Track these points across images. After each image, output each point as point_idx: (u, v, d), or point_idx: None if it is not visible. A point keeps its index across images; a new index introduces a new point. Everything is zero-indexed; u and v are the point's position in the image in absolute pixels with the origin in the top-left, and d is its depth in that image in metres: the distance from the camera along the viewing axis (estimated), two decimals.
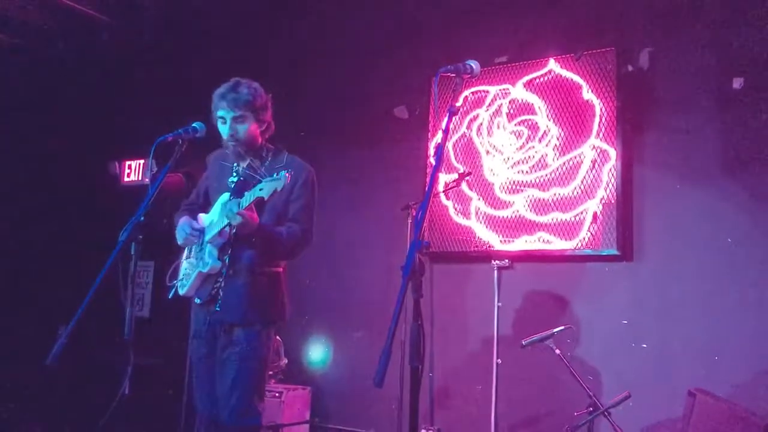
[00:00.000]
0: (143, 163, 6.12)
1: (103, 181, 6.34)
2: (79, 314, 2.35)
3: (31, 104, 7.02)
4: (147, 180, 5.90)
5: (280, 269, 3.17)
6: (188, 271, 3.15)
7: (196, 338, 3.17)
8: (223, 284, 3.06)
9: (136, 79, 6.57)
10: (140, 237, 2.53)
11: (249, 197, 2.84)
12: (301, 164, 3.20)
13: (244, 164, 3.18)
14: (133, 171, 6.27)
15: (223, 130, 3.10)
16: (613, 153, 4.25)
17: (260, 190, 2.79)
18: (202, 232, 3.12)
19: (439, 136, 4.83)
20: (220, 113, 3.10)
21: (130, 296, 2.58)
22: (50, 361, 2.31)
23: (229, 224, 2.94)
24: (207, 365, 3.11)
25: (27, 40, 6.45)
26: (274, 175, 2.78)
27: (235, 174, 3.21)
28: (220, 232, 3.03)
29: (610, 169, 4.25)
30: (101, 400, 3.05)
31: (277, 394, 4.56)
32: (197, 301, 3.17)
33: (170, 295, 3.25)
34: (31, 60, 6.72)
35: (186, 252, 3.24)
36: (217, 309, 3.05)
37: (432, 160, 4.86)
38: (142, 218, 2.55)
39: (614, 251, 4.17)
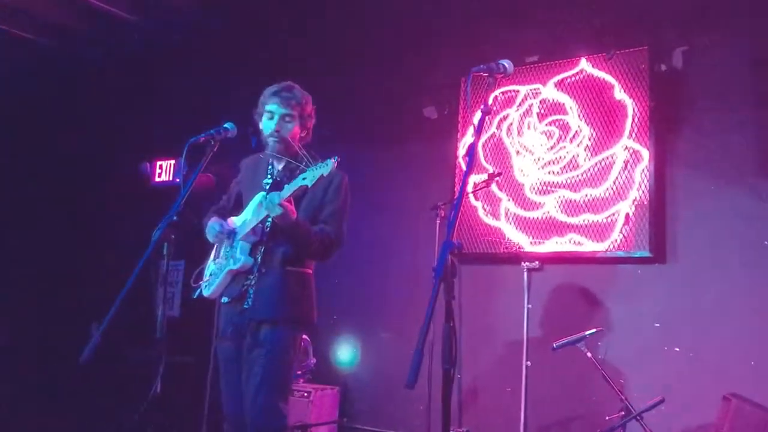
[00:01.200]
0: (174, 164, 6.17)
1: (134, 181, 6.41)
2: (112, 313, 2.37)
3: (63, 105, 7.14)
4: (178, 180, 5.95)
5: (310, 270, 3.17)
6: (216, 271, 3.15)
7: (223, 338, 3.16)
8: (253, 282, 3.06)
9: (166, 79, 6.63)
10: (172, 237, 2.55)
11: (292, 186, 2.84)
12: (336, 169, 3.21)
13: (279, 167, 3.19)
14: (164, 171, 6.33)
15: (268, 125, 3.12)
16: (645, 153, 4.19)
17: (303, 179, 2.80)
18: (232, 231, 3.13)
19: (470, 135, 4.82)
20: (269, 107, 3.13)
21: (162, 296, 2.61)
22: (84, 358, 2.34)
23: (265, 219, 2.95)
24: (234, 365, 3.10)
25: (59, 42, 6.55)
26: (320, 162, 2.79)
27: (270, 176, 3.22)
28: (254, 230, 3.02)
29: (643, 170, 4.20)
30: (133, 398, 3.08)
31: (305, 394, 4.58)
32: (224, 300, 3.17)
33: (195, 295, 3.26)
34: (63, 61, 6.83)
35: (213, 253, 3.24)
36: (246, 307, 3.05)
37: (461, 161, 4.84)
38: (175, 218, 2.57)
39: (647, 253, 4.12)
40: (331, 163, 2.76)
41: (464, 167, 4.76)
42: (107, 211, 6.71)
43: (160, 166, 6.32)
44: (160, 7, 5.96)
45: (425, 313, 1.86)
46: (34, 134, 7.30)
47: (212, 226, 3.17)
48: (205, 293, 3.19)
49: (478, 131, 2.31)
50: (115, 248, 5.85)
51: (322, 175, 2.77)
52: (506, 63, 2.42)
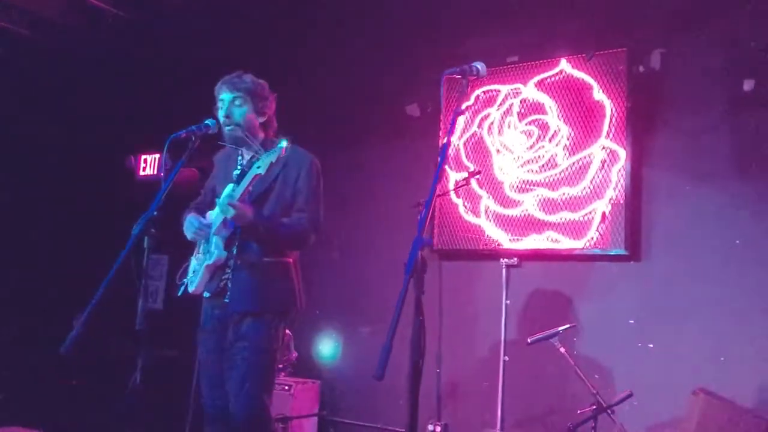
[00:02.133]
0: (158, 158, 6.20)
1: (119, 174, 6.43)
2: (93, 305, 2.41)
3: (49, 99, 7.13)
4: (162, 174, 5.98)
5: (290, 259, 3.18)
6: (197, 267, 3.17)
7: (204, 331, 3.18)
8: (231, 276, 3.09)
9: (152, 74, 6.64)
10: (153, 231, 2.59)
11: (246, 180, 2.89)
12: (305, 153, 3.23)
13: (248, 156, 3.21)
14: (149, 165, 6.36)
15: (221, 113, 3.14)
16: (622, 153, 4.28)
17: (257, 168, 2.84)
18: (209, 226, 3.15)
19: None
20: (220, 97, 3.17)
21: (143, 289, 2.65)
22: (64, 350, 2.37)
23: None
24: (214, 358, 3.12)
25: (45, 36, 6.54)
26: (270, 150, 2.84)
27: (239, 166, 3.23)
28: (224, 223, 3.04)
29: (620, 170, 4.28)
30: (114, 390, 3.12)
31: (286, 387, 4.64)
32: (206, 294, 3.18)
33: (180, 293, 3.27)
34: (49, 55, 6.82)
35: (195, 249, 3.27)
36: (226, 300, 3.07)
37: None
38: (155, 213, 2.61)
39: (622, 251, 4.20)
40: (279, 148, 2.80)
41: (443, 164, 4.83)
42: (93, 204, 6.73)
43: (145, 160, 6.35)
44: (148, 4, 5.98)
45: (395, 308, 1.92)
46: (18, 129, 7.30)
47: (189, 221, 3.19)
48: (190, 289, 3.20)
49: (450, 132, 2.37)
50: (99, 241, 5.87)
51: (272, 162, 2.80)
52: (479, 65, 2.47)
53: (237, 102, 3.14)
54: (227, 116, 3.12)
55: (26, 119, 7.21)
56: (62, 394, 5.77)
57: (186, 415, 4.70)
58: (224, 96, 3.15)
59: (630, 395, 3.46)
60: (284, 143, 2.85)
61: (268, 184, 3.09)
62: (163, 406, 4.69)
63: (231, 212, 2.89)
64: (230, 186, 3.07)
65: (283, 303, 3.14)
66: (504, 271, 4.55)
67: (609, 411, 3.44)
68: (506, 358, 4.40)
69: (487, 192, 4.73)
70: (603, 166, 4.34)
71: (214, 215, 3.16)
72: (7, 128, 7.22)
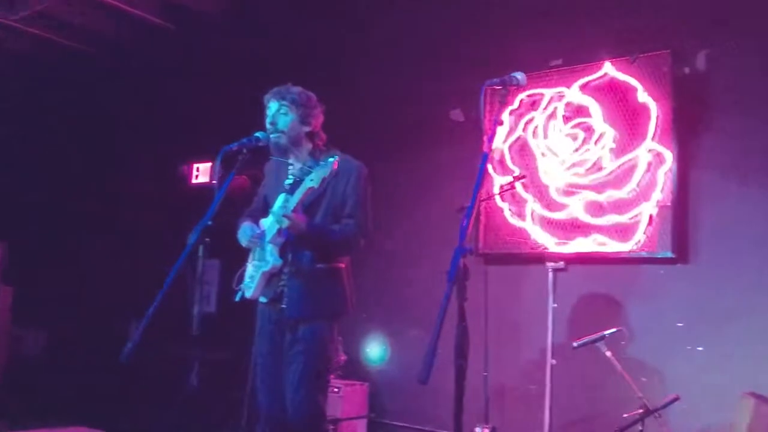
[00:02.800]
0: (210, 166, 6.38)
1: (173, 182, 6.64)
2: (150, 313, 2.53)
3: (104, 111, 7.41)
4: (214, 182, 6.15)
5: (342, 264, 3.28)
6: (253, 273, 3.28)
7: (261, 336, 3.30)
8: (286, 282, 3.20)
9: (203, 84, 6.84)
10: (207, 240, 2.71)
11: (299, 193, 3.00)
12: (353, 161, 3.32)
13: (298, 165, 3.31)
14: (201, 173, 6.55)
15: (267, 121, 3.26)
16: (669, 155, 4.25)
17: (310, 180, 2.95)
18: (263, 234, 3.27)
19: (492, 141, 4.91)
20: (267, 108, 3.29)
21: (198, 295, 2.78)
22: (124, 358, 2.50)
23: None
24: (270, 362, 3.24)
25: (100, 50, 6.81)
26: (322, 164, 2.94)
27: (291, 175, 3.34)
28: (279, 231, 3.15)
29: (666, 172, 4.25)
30: (171, 392, 3.27)
31: (335, 390, 4.73)
32: (263, 300, 3.29)
33: (237, 298, 3.36)
34: (104, 69, 7.09)
35: (250, 256, 3.38)
36: (283, 306, 3.19)
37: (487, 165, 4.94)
38: (209, 222, 2.74)
39: (669, 254, 4.18)
40: (330, 163, 2.92)
41: (489, 172, 4.87)
42: (147, 211, 6.95)
43: (198, 168, 6.54)
44: (196, 16, 6.17)
45: (438, 314, 1.99)
46: (76, 139, 7.60)
47: (243, 229, 3.31)
48: (247, 295, 3.30)
49: (489, 143, 2.43)
50: (153, 248, 6.07)
51: (324, 177, 2.92)
52: (519, 75, 2.52)
53: (282, 110, 3.25)
54: (272, 123, 3.24)
55: (83, 131, 7.51)
56: (123, 396, 6.00)
57: (240, 416, 4.84)
58: (271, 105, 3.28)
59: (676, 399, 3.45)
60: (335, 158, 2.95)
61: (319, 193, 3.19)
62: (218, 407, 4.85)
63: (285, 223, 3.01)
64: (283, 196, 3.18)
65: (335, 307, 3.26)
66: (550, 274, 4.57)
67: (656, 414, 3.43)
68: (553, 361, 4.42)
69: (533, 195, 4.75)
70: (649, 168, 4.32)
71: (267, 223, 3.27)
72: (65, 139, 7.54)
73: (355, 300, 3.35)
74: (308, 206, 3.17)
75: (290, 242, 3.19)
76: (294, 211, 3.02)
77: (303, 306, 3.16)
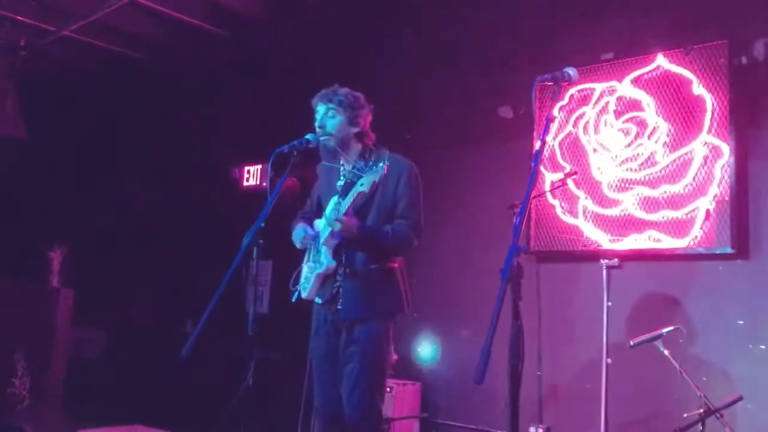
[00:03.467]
0: (261, 168, 6.47)
1: (225, 185, 6.75)
2: (209, 311, 2.58)
3: (157, 116, 7.58)
4: (265, 184, 6.24)
5: (395, 264, 3.29)
6: (308, 274, 3.32)
7: (317, 336, 3.34)
8: (341, 283, 3.22)
9: (254, 88, 6.93)
10: (261, 241, 2.75)
11: (350, 197, 3.02)
12: (402, 161, 3.32)
13: (349, 167, 3.32)
14: (252, 175, 6.65)
15: (316, 124, 3.28)
16: (726, 149, 4.14)
17: (361, 185, 2.97)
18: (316, 236, 3.30)
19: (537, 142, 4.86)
20: (316, 110, 3.31)
21: (253, 295, 2.82)
22: (184, 354, 2.56)
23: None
24: (327, 363, 3.27)
25: (149, 56, 6.96)
26: (372, 168, 2.96)
27: (342, 177, 3.36)
28: (332, 234, 3.18)
29: (723, 166, 4.14)
30: (227, 390, 3.32)
31: (388, 389, 4.73)
32: (318, 301, 3.33)
33: (293, 299, 3.41)
34: (154, 75, 7.25)
35: (306, 257, 3.41)
36: (339, 307, 3.21)
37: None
38: (263, 224, 2.78)
39: (728, 249, 4.06)
40: (381, 168, 2.93)
41: (540, 170, 4.82)
42: (201, 213, 7.09)
43: (248, 171, 6.64)
44: (244, 19, 6.26)
45: (492, 313, 1.98)
46: (132, 145, 7.80)
47: (297, 231, 3.37)
48: (303, 296, 3.34)
49: (542, 139, 2.40)
50: (206, 250, 6.19)
51: (374, 181, 2.93)
52: (571, 71, 2.49)
53: (330, 113, 3.27)
54: (320, 126, 3.27)
55: (137, 136, 7.70)
56: (181, 395, 6.13)
57: (297, 415, 4.90)
58: (319, 108, 3.30)
59: (739, 399, 3.36)
60: (385, 162, 2.97)
61: (370, 195, 3.20)
62: (274, 407, 4.91)
63: (338, 226, 3.04)
64: (335, 199, 3.22)
65: (390, 307, 3.27)
66: (604, 272, 4.49)
67: (718, 414, 3.35)
68: (609, 360, 4.35)
69: (585, 192, 4.68)
70: (705, 162, 4.22)
71: (321, 225, 3.30)
72: (120, 144, 7.74)
73: (410, 300, 3.35)
74: (359, 208, 3.18)
75: (343, 244, 3.21)
76: (345, 214, 3.03)
77: (358, 307, 3.18)
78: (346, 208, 3.04)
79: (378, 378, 3.20)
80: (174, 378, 5.68)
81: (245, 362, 2.96)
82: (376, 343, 3.17)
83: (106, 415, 5.56)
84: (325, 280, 3.27)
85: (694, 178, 4.25)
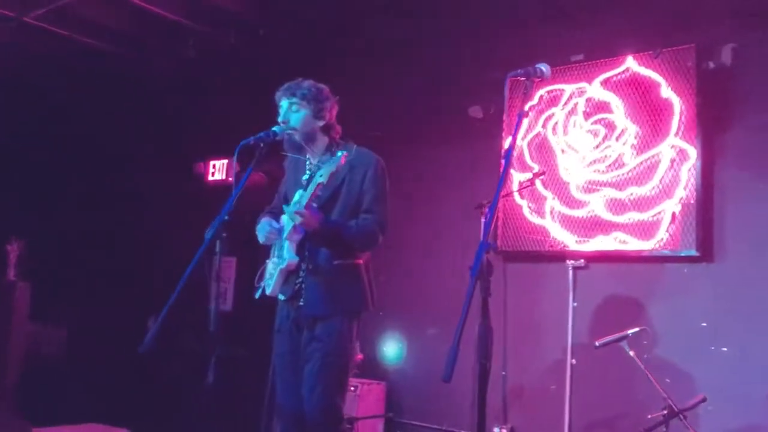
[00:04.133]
0: (226, 163, 6.37)
1: (189, 179, 6.64)
2: (169, 306, 2.51)
3: (121, 108, 7.41)
4: (231, 179, 6.15)
5: (360, 261, 3.23)
6: (272, 270, 3.24)
7: (280, 333, 3.27)
8: (304, 279, 3.16)
9: (219, 82, 6.83)
10: (224, 235, 2.68)
11: (310, 189, 2.95)
12: (369, 154, 3.27)
13: (315, 160, 3.27)
14: (217, 170, 6.55)
15: (279, 119, 3.20)
16: (693, 152, 4.17)
17: (320, 176, 2.90)
18: (280, 231, 3.23)
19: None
20: (280, 104, 3.23)
21: (215, 291, 2.74)
22: (143, 348, 2.48)
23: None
24: (290, 360, 3.20)
25: (115, 47, 6.79)
26: (330, 159, 2.90)
27: (308, 171, 3.29)
28: (295, 228, 3.11)
29: (690, 169, 4.17)
30: (188, 388, 3.24)
31: (352, 388, 4.69)
32: (281, 297, 3.26)
33: (257, 295, 3.34)
34: (121, 66, 7.08)
35: (271, 253, 3.34)
36: (301, 304, 3.15)
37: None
38: (227, 217, 2.70)
39: (693, 252, 4.09)
40: (338, 158, 2.87)
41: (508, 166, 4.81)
42: (164, 208, 6.95)
43: (214, 166, 6.54)
44: (216, 12, 6.14)
45: (462, 311, 1.94)
46: (94, 136, 7.62)
47: (261, 226, 3.27)
48: (267, 292, 3.26)
49: (514, 135, 2.37)
50: (171, 245, 6.07)
51: (332, 171, 2.87)
52: (543, 67, 2.47)
53: (294, 107, 3.19)
54: (284, 121, 3.18)
55: (100, 129, 7.52)
56: (140, 393, 6.00)
57: (260, 413, 4.82)
58: (282, 102, 3.23)
59: (703, 400, 3.38)
60: (342, 153, 2.92)
61: (335, 188, 3.15)
62: (236, 404, 4.83)
63: (298, 219, 2.97)
64: (298, 192, 3.15)
65: (354, 305, 3.20)
66: (570, 273, 4.51)
67: (681, 416, 3.36)
68: (574, 361, 4.36)
69: (553, 192, 4.68)
70: (672, 165, 4.24)
71: (285, 220, 3.23)
72: (82, 137, 7.55)
73: (375, 297, 3.29)
74: (325, 202, 3.13)
75: (307, 239, 3.15)
76: (307, 207, 2.96)
77: (321, 303, 3.12)
78: (307, 200, 2.96)
79: (340, 377, 3.13)
80: (134, 375, 5.57)
81: (206, 359, 2.89)
82: (338, 340, 3.11)
83: (64, 413, 5.42)
84: (288, 276, 3.19)
85: (660, 181, 4.27)
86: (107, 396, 5.95)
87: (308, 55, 5.99)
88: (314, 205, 3.02)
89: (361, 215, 3.17)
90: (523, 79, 2.49)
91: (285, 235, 3.16)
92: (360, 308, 3.22)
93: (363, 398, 4.71)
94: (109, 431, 5.26)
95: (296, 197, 3.13)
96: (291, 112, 3.19)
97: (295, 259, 3.14)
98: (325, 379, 3.05)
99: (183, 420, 4.19)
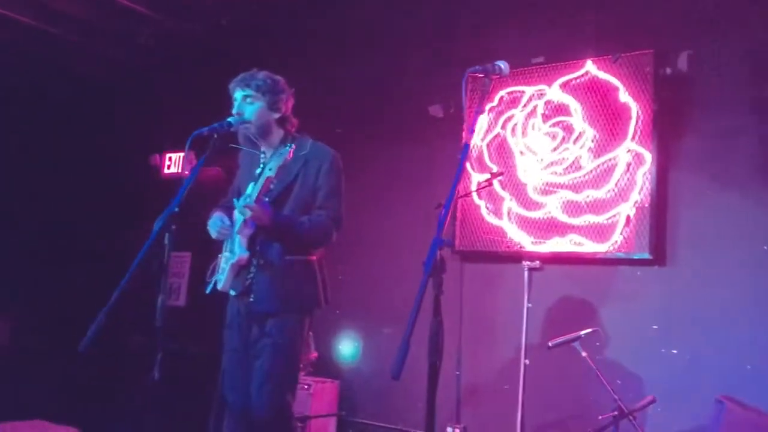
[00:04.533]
0: (183, 156, 6.26)
1: (144, 172, 6.50)
2: (112, 302, 2.42)
3: (75, 98, 7.22)
4: (186, 172, 6.04)
5: (314, 257, 3.17)
6: (224, 265, 3.19)
7: (230, 329, 3.20)
8: (254, 275, 3.10)
9: (177, 73, 6.70)
10: (174, 227, 2.59)
11: (260, 183, 2.90)
12: (324, 149, 3.21)
13: (268, 154, 3.21)
14: (174, 163, 6.42)
15: (233, 111, 3.13)
16: (648, 156, 4.22)
17: (269, 170, 2.86)
18: (232, 225, 3.16)
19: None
20: (234, 96, 3.16)
21: (164, 285, 2.66)
22: (83, 347, 2.39)
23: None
24: (239, 357, 3.14)
25: (71, 35, 6.62)
26: (279, 152, 2.87)
27: (261, 165, 3.23)
28: (246, 222, 3.04)
29: (645, 173, 4.22)
30: (134, 385, 3.15)
31: (306, 387, 4.64)
32: (232, 293, 3.20)
33: (208, 290, 3.27)
34: (75, 54, 6.90)
35: (223, 248, 3.28)
36: (252, 300, 3.09)
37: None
38: (176, 209, 2.62)
39: (647, 255, 4.14)
40: (286, 151, 2.85)
41: (467, 169, 4.81)
42: (119, 202, 6.80)
43: (170, 159, 6.42)
44: (175, 1, 6.03)
45: (413, 308, 1.91)
46: (44, 126, 7.41)
47: (213, 220, 3.19)
48: (219, 287, 3.20)
49: (471, 132, 2.36)
50: (123, 238, 5.93)
51: (280, 165, 2.84)
52: (502, 64, 2.46)
53: (248, 99, 3.13)
54: (238, 113, 3.11)
55: (52, 120, 7.32)
56: (83, 389, 5.85)
57: (209, 412, 4.73)
58: (237, 93, 3.16)
59: (653, 401, 3.42)
60: (290, 146, 2.89)
61: (289, 183, 3.09)
62: (185, 402, 4.73)
63: (247, 213, 2.91)
64: (251, 186, 3.08)
65: (306, 302, 3.15)
66: (526, 273, 4.52)
67: (631, 417, 3.39)
68: (527, 361, 4.37)
69: (510, 194, 4.69)
70: (628, 168, 4.29)
71: (237, 214, 3.17)
72: (34, 130, 7.34)
73: (329, 294, 3.25)
74: (278, 197, 3.08)
75: (258, 234, 3.08)
76: (258, 200, 2.89)
77: (271, 300, 3.06)
78: (257, 194, 2.90)
79: (289, 374, 3.08)
80: (79, 370, 5.43)
81: (153, 355, 2.81)
82: (288, 337, 3.05)
83: (6, 409, 5.25)
84: (239, 271, 3.13)
85: (616, 184, 4.31)
86: (53, 391, 5.79)
87: (269, 48, 5.93)
88: (265, 199, 2.96)
89: (315, 211, 3.11)
90: (481, 75, 2.47)
91: (236, 229, 3.09)
92: (312, 305, 3.17)
93: (316, 396, 4.66)
94: (55, 428, 5.11)
95: (248, 191, 3.07)
96: (245, 104, 3.12)
97: (246, 254, 3.08)
98: (274, 377, 3.00)
99: (130, 417, 4.09)
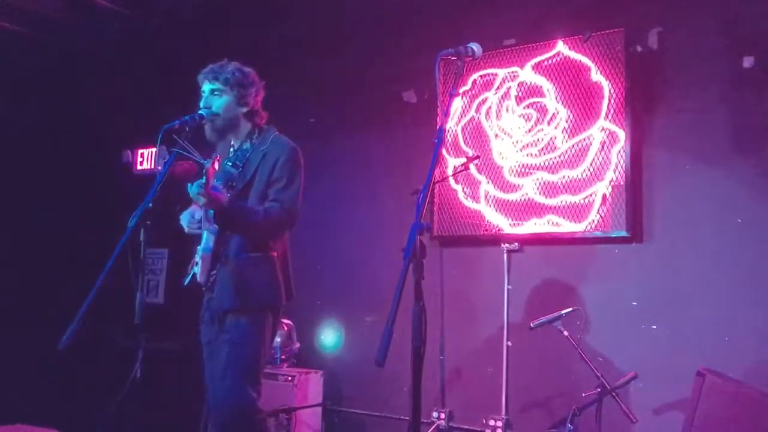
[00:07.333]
0: (155, 152, 6.17)
1: (116, 169, 6.40)
2: (89, 300, 2.39)
3: (45, 94, 7.08)
4: (159, 168, 5.96)
5: (274, 253, 3.13)
6: (197, 258, 3.16)
7: (203, 323, 3.22)
8: (217, 271, 3.09)
9: (148, 68, 6.60)
10: (148, 223, 2.56)
11: (219, 178, 2.93)
12: (284, 143, 3.17)
13: (236, 147, 3.19)
14: (146, 159, 6.34)
15: (201, 104, 3.09)
16: (622, 135, 4.24)
17: (227, 163, 2.94)
18: (200, 220, 3.12)
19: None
20: (202, 88, 3.12)
21: (141, 282, 2.62)
22: (61, 346, 2.36)
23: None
24: (209, 351, 3.15)
25: (39, 31, 6.49)
26: (243, 147, 2.98)
27: (227, 158, 3.22)
28: (207, 216, 2.99)
29: (619, 151, 4.24)
30: (116, 383, 3.12)
31: (289, 378, 4.62)
32: (203, 287, 3.20)
33: (186, 282, 3.24)
34: (44, 50, 6.77)
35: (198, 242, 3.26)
36: (213, 296, 3.09)
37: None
38: (150, 204, 2.59)
39: (624, 233, 4.17)
40: (249, 147, 2.94)
41: (443, 154, 4.80)
42: (90, 200, 6.69)
43: (142, 155, 6.33)
44: None
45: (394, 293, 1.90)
46: (12, 122, 7.26)
47: (184, 215, 3.16)
48: (198, 279, 3.16)
49: (446, 115, 2.34)
50: (97, 237, 5.85)
51: (242, 160, 2.94)
52: (474, 46, 2.45)
53: (216, 93, 3.09)
54: (206, 107, 3.07)
55: (22, 116, 7.17)
56: (63, 388, 5.77)
57: (191, 407, 4.70)
58: (205, 86, 3.12)
59: (635, 377, 3.45)
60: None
61: (249, 176, 3.07)
62: (175, 398, 4.70)
63: (201, 201, 2.81)
64: (217, 181, 3.06)
65: (263, 299, 3.09)
66: (505, 256, 4.54)
67: (613, 393, 3.42)
68: (509, 343, 4.40)
69: (487, 177, 4.70)
70: (603, 147, 4.31)
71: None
72: (2, 125, 7.19)
73: (293, 289, 3.23)
74: (240, 191, 3.06)
75: (220, 228, 3.02)
76: (214, 188, 2.81)
77: (229, 297, 3.04)
78: (207, 180, 2.80)
79: (248, 369, 3.02)
80: (62, 373, 5.36)
81: (134, 353, 2.78)
82: (246, 334, 3.01)
83: None
84: (208, 266, 3.11)
85: (591, 164, 4.33)
86: (32, 394, 5.71)
87: (238, 40, 5.85)
88: (217, 184, 2.89)
89: (268, 202, 3.05)
90: (454, 58, 2.45)
91: (204, 224, 3.05)
92: (271, 303, 3.11)
93: (300, 388, 4.64)
94: None
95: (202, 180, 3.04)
96: (213, 98, 3.08)
97: (209, 250, 3.05)
98: (232, 371, 2.97)
99: (112, 417, 4.05)
